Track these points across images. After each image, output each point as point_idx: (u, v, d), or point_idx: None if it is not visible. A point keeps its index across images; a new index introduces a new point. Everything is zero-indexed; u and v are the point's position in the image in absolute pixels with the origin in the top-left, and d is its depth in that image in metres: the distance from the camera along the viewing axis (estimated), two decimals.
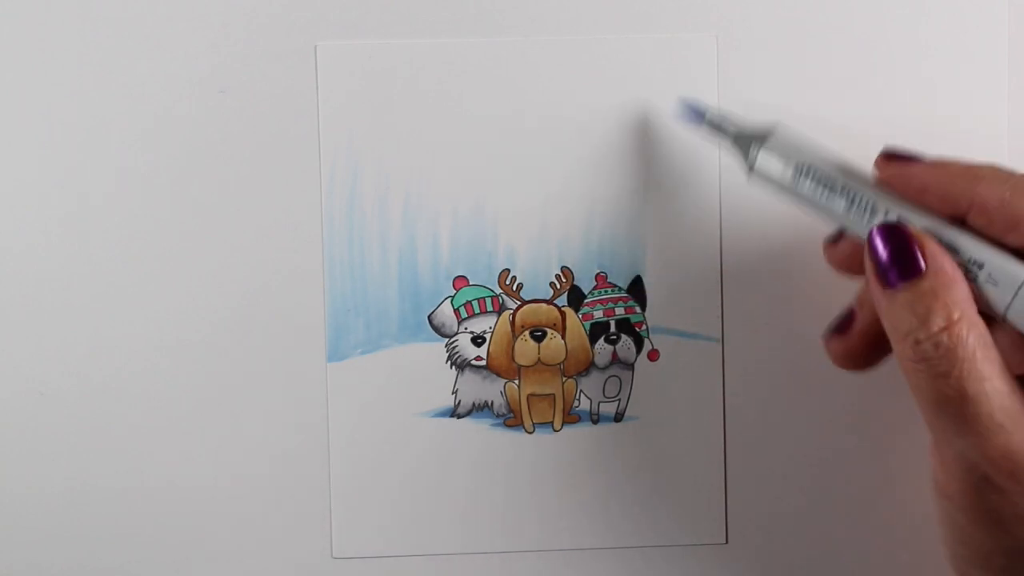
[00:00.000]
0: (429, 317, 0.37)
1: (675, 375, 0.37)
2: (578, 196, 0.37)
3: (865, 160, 0.36)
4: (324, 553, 0.38)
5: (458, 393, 0.37)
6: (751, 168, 0.33)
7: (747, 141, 0.33)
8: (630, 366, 0.37)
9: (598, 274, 0.37)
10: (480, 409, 0.37)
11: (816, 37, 0.37)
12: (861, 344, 0.32)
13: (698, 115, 0.35)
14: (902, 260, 0.29)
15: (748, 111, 0.37)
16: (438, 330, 0.37)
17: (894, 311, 0.29)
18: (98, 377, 0.37)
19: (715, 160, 0.37)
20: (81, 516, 0.37)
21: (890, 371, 0.36)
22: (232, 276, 0.37)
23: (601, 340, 0.37)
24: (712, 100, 0.37)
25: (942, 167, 0.30)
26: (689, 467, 0.38)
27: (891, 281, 0.29)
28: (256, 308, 0.37)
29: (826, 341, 0.34)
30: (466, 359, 0.37)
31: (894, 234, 0.30)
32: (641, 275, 0.37)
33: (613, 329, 0.37)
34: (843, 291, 0.37)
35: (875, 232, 0.30)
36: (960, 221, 0.30)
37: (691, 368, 0.37)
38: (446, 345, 0.37)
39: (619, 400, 0.37)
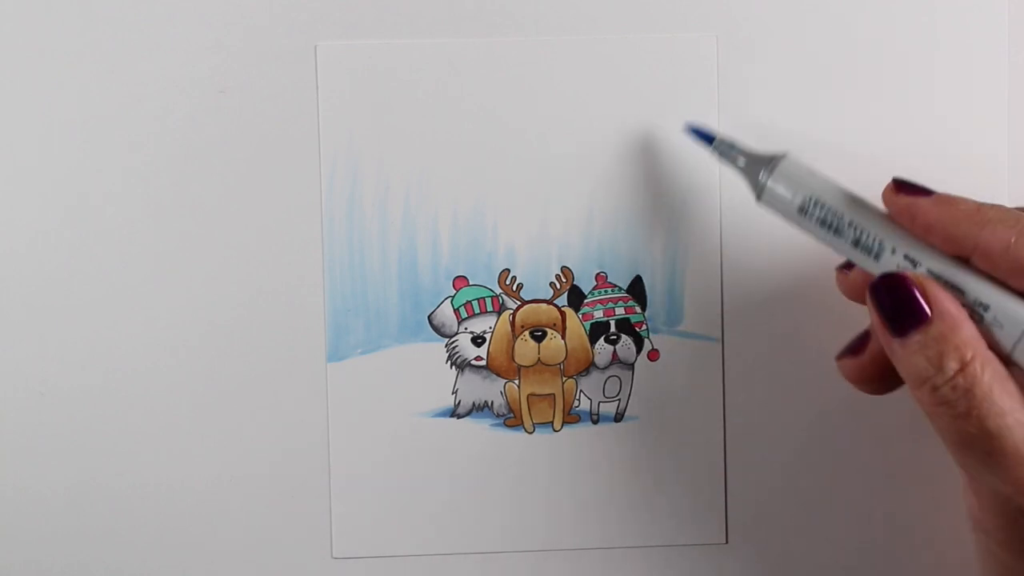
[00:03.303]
0: (429, 317, 0.37)
1: (675, 375, 0.37)
2: (578, 196, 0.37)
3: (865, 160, 0.36)
4: (324, 553, 0.38)
5: (458, 393, 0.37)
6: (759, 195, 0.33)
7: (756, 168, 0.33)
8: (630, 366, 0.37)
9: (598, 274, 0.37)
10: (480, 409, 0.37)
11: (816, 37, 0.37)
12: (873, 367, 0.32)
13: (706, 139, 0.35)
14: (907, 308, 0.29)
15: (748, 111, 0.37)
16: (438, 330, 0.37)
17: (907, 359, 0.29)
18: (98, 377, 0.37)
19: (717, 162, 0.37)
20: (81, 516, 0.37)
21: None
22: (232, 276, 0.37)
23: (601, 340, 0.37)
24: (712, 100, 0.37)
25: (949, 205, 0.30)
26: (689, 467, 0.38)
27: (899, 330, 0.29)
28: (256, 308, 0.37)
29: (839, 362, 0.33)
30: (466, 359, 0.37)
31: (897, 284, 0.30)
32: (641, 275, 0.37)
33: (613, 329, 0.37)
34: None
35: (877, 283, 0.30)
36: (965, 261, 0.30)
37: (691, 368, 0.37)
38: (446, 345, 0.37)
39: (619, 400, 0.37)
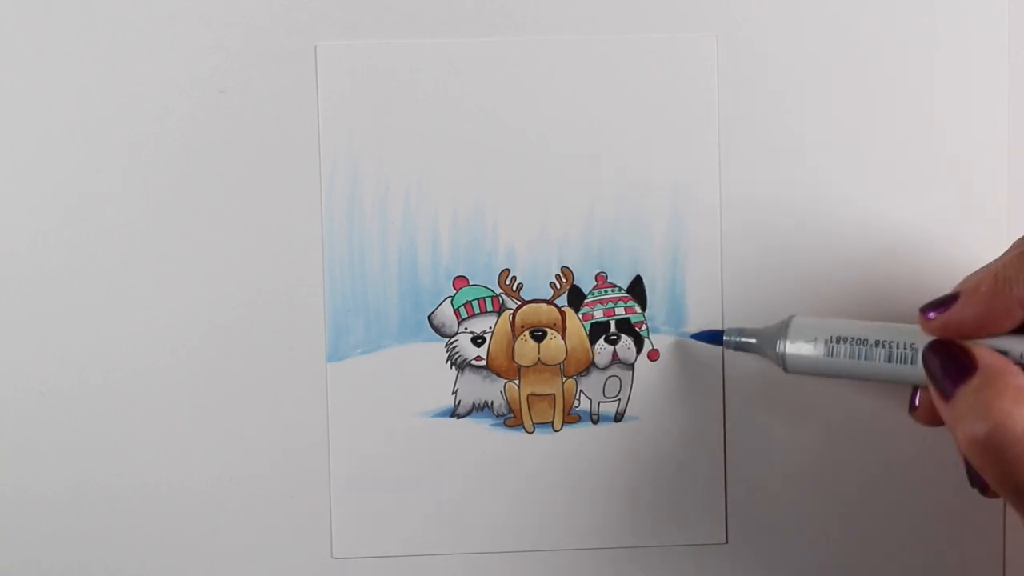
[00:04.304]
0: (429, 317, 0.37)
1: (675, 375, 0.37)
2: (578, 196, 0.37)
3: (865, 159, 0.36)
4: (324, 553, 0.37)
5: (458, 393, 0.37)
6: (785, 365, 0.34)
7: (771, 339, 0.34)
8: (630, 366, 0.37)
9: (598, 274, 0.37)
10: (480, 409, 0.37)
11: (816, 37, 0.37)
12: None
13: (715, 338, 0.36)
14: (953, 367, 0.29)
15: (748, 111, 0.37)
16: (438, 330, 0.37)
17: (955, 416, 0.29)
18: (98, 377, 0.37)
19: (715, 159, 0.37)
20: (81, 516, 0.37)
21: None
22: (232, 276, 0.37)
23: (601, 340, 0.37)
24: (712, 100, 0.37)
25: (975, 295, 0.30)
26: (689, 467, 0.38)
27: (948, 391, 0.29)
28: (256, 308, 0.37)
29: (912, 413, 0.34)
30: (466, 359, 0.37)
31: (943, 347, 0.30)
32: (641, 275, 0.37)
33: (613, 329, 0.37)
34: (843, 290, 0.37)
35: (926, 352, 0.30)
36: None
37: (691, 368, 0.37)
38: (446, 345, 0.37)
39: (619, 400, 0.37)
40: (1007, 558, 0.38)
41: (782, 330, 0.33)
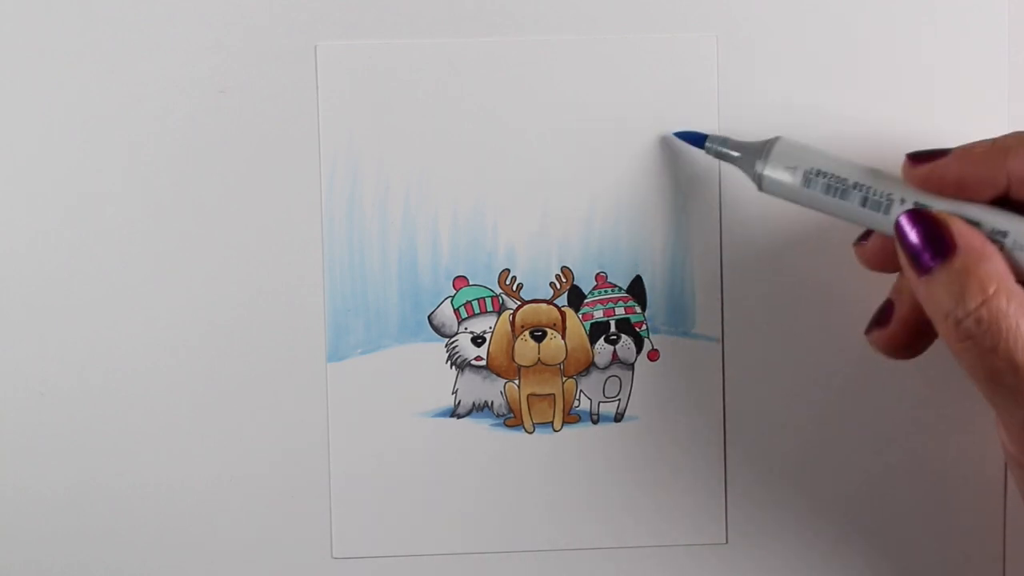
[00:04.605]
0: (429, 317, 0.37)
1: (675, 375, 0.37)
2: (578, 196, 0.37)
3: (866, 160, 0.36)
4: (324, 553, 0.38)
5: (458, 393, 0.37)
6: (760, 185, 0.33)
7: (752, 158, 0.34)
8: (630, 366, 0.37)
9: (598, 274, 0.37)
10: (480, 409, 0.37)
11: (816, 37, 0.37)
12: (903, 332, 0.32)
13: (698, 140, 0.35)
14: (931, 243, 0.29)
15: (748, 111, 0.37)
16: (438, 330, 0.37)
17: (932, 294, 0.29)
18: (98, 377, 0.37)
19: (715, 159, 0.37)
20: (81, 516, 0.37)
21: (890, 371, 0.36)
22: (232, 276, 0.37)
23: (601, 340, 0.37)
24: (712, 100, 0.37)
25: (968, 155, 0.30)
26: (689, 467, 0.38)
27: (924, 266, 0.29)
28: (256, 308, 0.37)
29: (868, 335, 0.33)
30: (466, 359, 0.37)
31: (920, 219, 0.30)
32: (641, 275, 0.37)
33: (613, 329, 0.37)
34: (844, 289, 0.37)
35: (901, 220, 0.30)
36: (1006, 200, 0.30)
37: (691, 368, 0.37)
38: (446, 345, 0.37)
39: (619, 400, 0.37)
40: (1007, 558, 0.38)
41: (764, 149, 0.33)
